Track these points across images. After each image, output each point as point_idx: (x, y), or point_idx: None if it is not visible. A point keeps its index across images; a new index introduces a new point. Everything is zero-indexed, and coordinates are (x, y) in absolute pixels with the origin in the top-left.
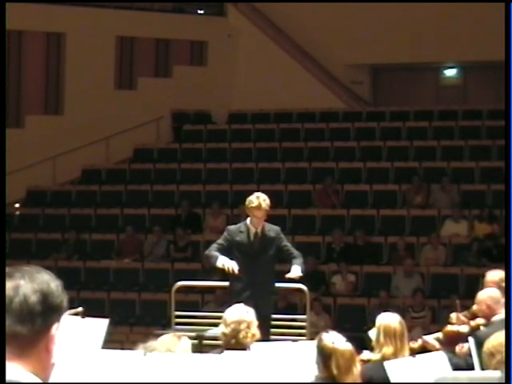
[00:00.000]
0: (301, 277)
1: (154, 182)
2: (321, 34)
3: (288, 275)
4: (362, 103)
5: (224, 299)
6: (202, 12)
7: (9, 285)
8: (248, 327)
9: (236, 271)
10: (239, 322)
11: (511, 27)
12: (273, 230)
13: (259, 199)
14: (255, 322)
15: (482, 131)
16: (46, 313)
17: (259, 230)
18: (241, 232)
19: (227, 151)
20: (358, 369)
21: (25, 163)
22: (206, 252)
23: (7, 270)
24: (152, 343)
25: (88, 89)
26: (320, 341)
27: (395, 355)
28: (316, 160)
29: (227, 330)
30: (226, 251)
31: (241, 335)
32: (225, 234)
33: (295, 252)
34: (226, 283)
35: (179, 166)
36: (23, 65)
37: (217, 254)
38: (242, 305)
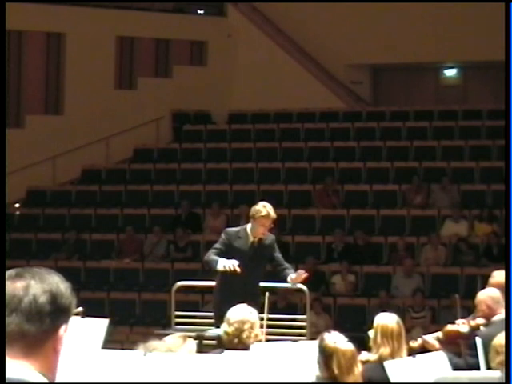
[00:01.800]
0: (306, 277)
1: (154, 182)
2: (321, 34)
3: (293, 278)
4: (362, 103)
5: None
6: (202, 12)
7: (19, 285)
8: (251, 327)
9: (238, 269)
10: (243, 322)
11: (511, 27)
12: (269, 238)
13: (266, 208)
14: (258, 323)
15: (482, 131)
16: (54, 313)
17: (256, 239)
18: (239, 238)
19: (227, 151)
20: (359, 369)
21: (25, 163)
22: (205, 258)
23: (17, 270)
24: (152, 343)
25: (88, 89)
26: (322, 340)
27: (392, 355)
28: (316, 160)
29: (230, 330)
30: (224, 255)
31: (244, 335)
32: (223, 237)
33: (286, 264)
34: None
35: (179, 165)
36: (23, 65)
37: (216, 258)
38: (245, 305)
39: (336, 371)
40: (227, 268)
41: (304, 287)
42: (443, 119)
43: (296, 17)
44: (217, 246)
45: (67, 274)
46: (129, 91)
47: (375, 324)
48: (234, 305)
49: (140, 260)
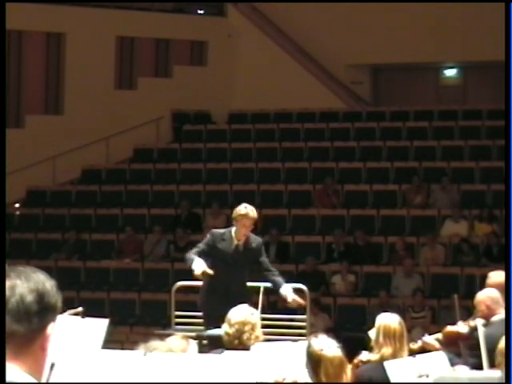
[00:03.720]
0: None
1: (154, 182)
2: (321, 34)
3: (290, 302)
4: (362, 103)
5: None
6: (202, 12)
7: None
8: (252, 329)
9: (209, 272)
10: (244, 324)
11: (511, 27)
12: (255, 241)
13: (247, 209)
14: (259, 324)
15: (482, 131)
16: (41, 312)
17: (241, 243)
18: (223, 240)
19: (227, 151)
20: (348, 376)
21: (25, 163)
22: (186, 254)
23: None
24: (153, 343)
25: (88, 89)
26: (309, 346)
27: (394, 356)
28: (316, 160)
29: (231, 331)
30: (206, 255)
31: (244, 336)
32: (208, 237)
33: (274, 269)
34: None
35: (179, 165)
36: (23, 65)
37: (194, 256)
38: (246, 306)
39: (323, 379)
40: (198, 273)
41: (304, 287)
42: (443, 119)
43: (296, 17)
44: (200, 245)
45: (67, 274)
46: (129, 91)
47: (377, 324)
48: (217, 306)
49: (140, 260)
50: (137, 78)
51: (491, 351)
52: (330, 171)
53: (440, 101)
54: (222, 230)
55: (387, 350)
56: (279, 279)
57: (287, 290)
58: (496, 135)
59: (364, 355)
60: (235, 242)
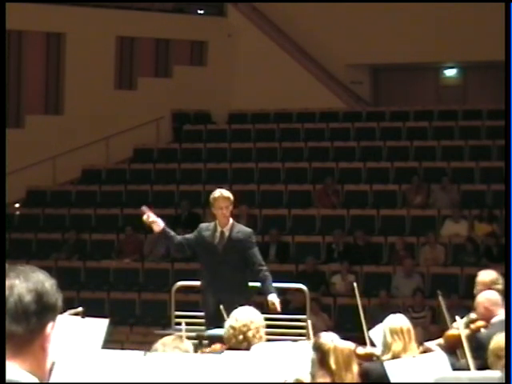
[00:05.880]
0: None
1: (154, 182)
2: (321, 34)
3: (271, 306)
4: (362, 103)
5: None
6: (202, 12)
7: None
8: (257, 331)
9: (158, 225)
10: (247, 325)
11: (511, 27)
12: (242, 232)
13: (220, 190)
14: (264, 325)
15: (482, 131)
16: (40, 312)
17: (226, 230)
18: (208, 230)
19: (227, 151)
20: (356, 367)
21: (25, 163)
22: None
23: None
24: (173, 342)
25: (88, 89)
26: (318, 338)
27: (405, 350)
28: (316, 160)
29: (234, 331)
30: (190, 246)
31: (247, 337)
32: (195, 230)
33: (263, 265)
34: None
35: (179, 166)
36: (23, 65)
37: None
38: (251, 307)
39: (334, 366)
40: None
41: (304, 287)
42: (443, 119)
43: (296, 17)
44: (187, 235)
45: (67, 274)
46: (129, 91)
47: (384, 327)
48: (212, 303)
49: (140, 260)
50: (137, 78)
51: None
52: (330, 171)
53: (440, 101)
54: (208, 223)
55: (397, 346)
56: (268, 282)
57: (273, 297)
58: (496, 135)
59: (374, 348)
60: (219, 229)
